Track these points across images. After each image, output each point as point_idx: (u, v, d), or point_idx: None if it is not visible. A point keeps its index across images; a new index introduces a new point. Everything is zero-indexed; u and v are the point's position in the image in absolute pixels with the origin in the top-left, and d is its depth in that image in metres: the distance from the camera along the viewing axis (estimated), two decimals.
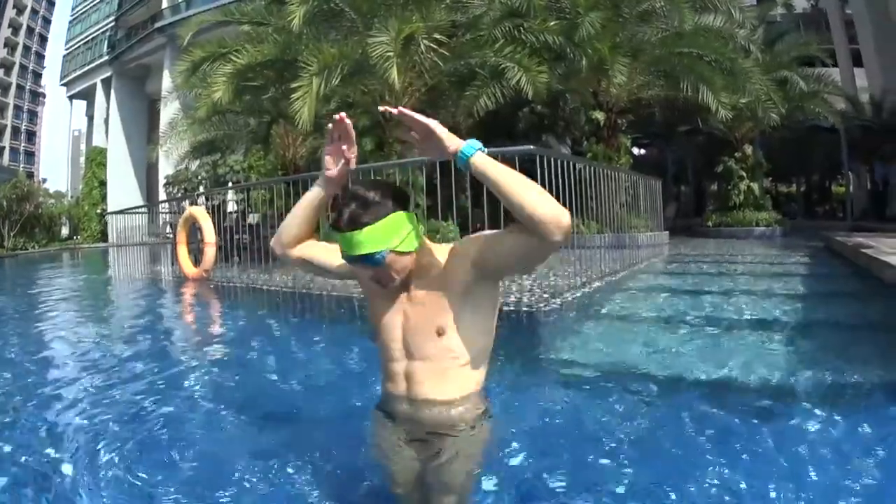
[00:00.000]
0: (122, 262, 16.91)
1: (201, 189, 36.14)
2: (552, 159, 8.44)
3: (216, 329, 8.15)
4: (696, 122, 23.47)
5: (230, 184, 33.00)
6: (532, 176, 7.66)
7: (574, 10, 16.41)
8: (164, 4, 51.70)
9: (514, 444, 3.04)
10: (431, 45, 13.43)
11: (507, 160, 6.47)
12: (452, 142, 2.13)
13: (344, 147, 2.30)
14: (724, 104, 16.56)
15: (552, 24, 16.06)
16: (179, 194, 39.01)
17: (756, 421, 3.55)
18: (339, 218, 2.19)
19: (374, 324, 2.40)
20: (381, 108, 2.28)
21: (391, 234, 2.18)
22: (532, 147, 8.64)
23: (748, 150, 22.40)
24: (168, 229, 32.80)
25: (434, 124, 2.14)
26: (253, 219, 15.36)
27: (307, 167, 20.72)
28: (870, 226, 22.23)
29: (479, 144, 2.12)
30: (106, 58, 57.88)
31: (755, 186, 22.22)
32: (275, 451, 3.19)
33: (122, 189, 50.85)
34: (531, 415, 3.65)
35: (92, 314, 9.83)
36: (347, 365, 5.18)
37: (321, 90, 12.88)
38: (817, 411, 3.68)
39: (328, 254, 2.50)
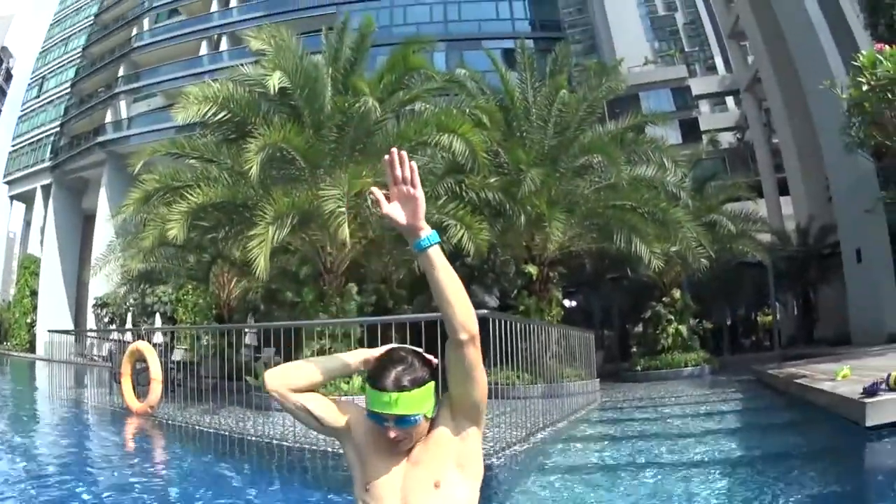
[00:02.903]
0: (58, 383, 16.62)
1: (129, 316, 36.21)
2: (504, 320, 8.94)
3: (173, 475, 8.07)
4: (625, 269, 23.80)
5: (158, 315, 33.11)
6: (485, 334, 8.09)
7: (516, 166, 16.90)
8: (108, 118, 51.87)
9: None
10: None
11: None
12: (422, 220, 2.21)
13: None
14: (657, 254, 17.05)
15: (493, 180, 16.55)
16: (107, 318, 39.00)
17: None
18: (384, 377, 2.30)
19: (367, 481, 2.43)
20: (393, 150, 2.20)
21: (427, 400, 2.33)
22: (486, 311, 9.24)
23: (676, 294, 22.79)
24: (94, 351, 32.44)
25: (421, 194, 2.20)
26: (178, 355, 15.36)
27: (239, 307, 20.97)
28: (798, 352, 23.21)
29: (438, 239, 2.24)
30: (48, 164, 57.41)
31: (683, 329, 22.51)
32: None
33: (52, 302, 50.15)
34: None
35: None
36: None
37: (276, 238, 13.05)
38: None
39: (326, 407, 2.53)
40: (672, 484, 6.09)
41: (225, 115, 14.81)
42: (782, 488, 5.41)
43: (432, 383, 2.37)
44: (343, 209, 12.67)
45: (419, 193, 2.19)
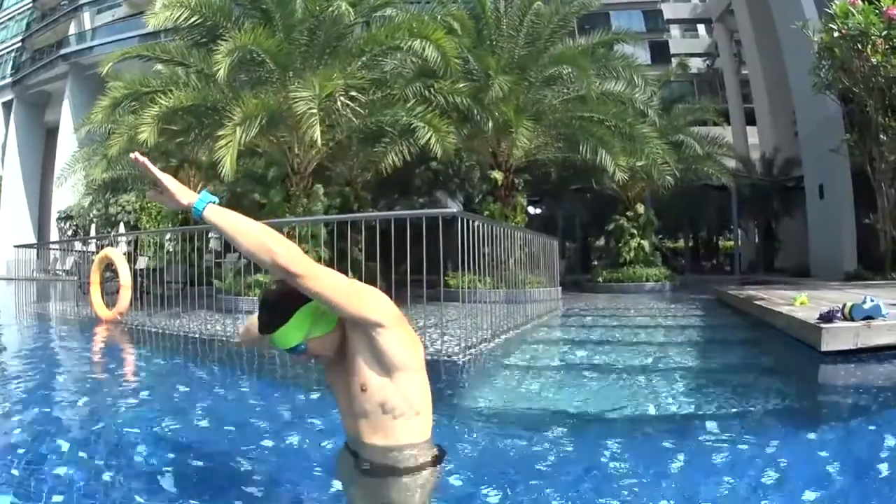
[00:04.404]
0: (23, 299, 16.55)
1: (93, 228, 35.94)
2: (471, 220, 8.96)
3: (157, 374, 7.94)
4: (589, 181, 23.56)
5: (122, 224, 32.86)
6: (454, 233, 8.23)
7: (484, 73, 16.80)
8: (71, 31, 50.68)
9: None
10: (347, 101, 13.85)
11: (431, 219, 7.04)
12: (185, 196, 2.33)
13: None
14: (622, 167, 17.16)
15: (462, 86, 16.52)
16: (71, 231, 38.65)
17: (662, 447, 4.09)
18: (259, 324, 2.51)
19: (333, 390, 2.69)
20: (131, 156, 2.41)
21: (302, 328, 2.44)
22: (455, 210, 9.22)
23: (640, 208, 22.82)
24: (58, 265, 32.20)
25: (167, 180, 2.34)
26: (142, 262, 15.35)
27: None
28: (757, 278, 23.61)
29: (211, 198, 2.32)
30: (9, 80, 56.03)
31: (646, 244, 22.60)
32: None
33: (14, 220, 49.43)
34: (455, 452, 3.74)
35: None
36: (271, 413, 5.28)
37: (243, 140, 13.10)
38: (719, 437, 4.28)
39: None
40: (629, 384, 6.26)
41: (197, 20, 14.66)
42: (736, 397, 5.62)
43: (302, 310, 2.45)
44: (314, 110, 12.67)
45: (164, 183, 2.35)
